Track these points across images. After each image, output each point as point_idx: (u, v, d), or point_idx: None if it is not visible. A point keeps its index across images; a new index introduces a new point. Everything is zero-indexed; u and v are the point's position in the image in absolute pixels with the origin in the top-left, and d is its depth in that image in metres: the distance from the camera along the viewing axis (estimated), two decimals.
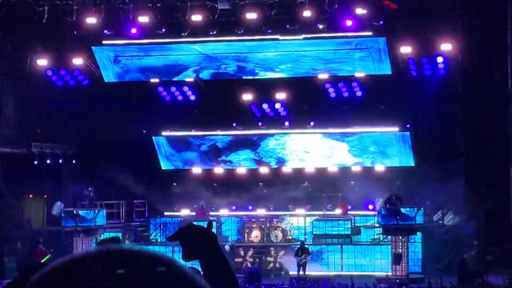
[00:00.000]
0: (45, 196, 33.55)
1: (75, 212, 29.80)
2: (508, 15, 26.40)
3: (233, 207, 33.20)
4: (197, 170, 34.94)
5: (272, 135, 34.34)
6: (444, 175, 28.68)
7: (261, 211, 32.77)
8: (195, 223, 3.72)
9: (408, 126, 32.27)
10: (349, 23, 27.75)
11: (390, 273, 28.11)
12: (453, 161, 28.46)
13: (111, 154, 32.36)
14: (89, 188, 31.15)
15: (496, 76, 27.17)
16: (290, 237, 31.54)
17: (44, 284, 1.46)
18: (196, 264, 3.48)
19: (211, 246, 3.15)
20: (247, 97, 33.01)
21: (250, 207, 33.12)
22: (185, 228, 3.27)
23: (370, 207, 31.17)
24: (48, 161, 32.77)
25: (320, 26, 28.03)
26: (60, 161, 33.55)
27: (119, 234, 31.76)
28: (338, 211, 32.03)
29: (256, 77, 33.13)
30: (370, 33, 29.17)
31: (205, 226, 3.42)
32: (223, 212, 32.82)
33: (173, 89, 33.57)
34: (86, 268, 1.47)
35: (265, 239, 31.25)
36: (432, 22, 28.48)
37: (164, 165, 35.28)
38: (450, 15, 27.60)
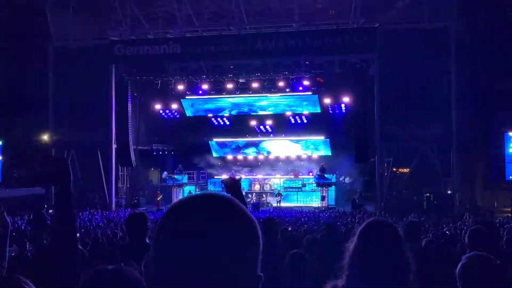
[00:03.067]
0: (159, 169, 41.05)
1: (172, 176, 37.09)
2: (375, 82, 31.56)
3: (246, 174, 39.29)
4: (229, 157, 42.01)
5: (265, 140, 41.05)
6: (345, 159, 35.32)
7: (259, 176, 39.23)
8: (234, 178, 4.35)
9: (328, 136, 39.27)
10: (300, 88, 34.38)
11: (320, 205, 35.05)
12: (349, 152, 33.93)
13: (189, 149, 39.04)
14: (179, 165, 38.37)
15: (368, 114, 31.67)
16: (273, 188, 37.76)
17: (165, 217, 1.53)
18: None
19: (238, 189, 3.79)
20: (253, 122, 40.05)
21: (254, 174, 39.81)
22: (230, 179, 3.96)
23: (310, 174, 38.37)
24: (160, 153, 39.96)
25: (287, 89, 34.87)
26: (166, 153, 40.72)
27: (193, 187, 38.62)
28: (293, 176, 38.50)
29: (257, 113, 39.53)
30: (310, 93, 35.72)
31: (238, 180, 4.17)
32: (241, 176, 36.65)
33: (218, 119, 40.50)
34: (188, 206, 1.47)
35: (261, 189, 37.80)
36: (339, 88, 35.10)
37: (214, 154, 42.08)
38: (348, 83, 33.63)
